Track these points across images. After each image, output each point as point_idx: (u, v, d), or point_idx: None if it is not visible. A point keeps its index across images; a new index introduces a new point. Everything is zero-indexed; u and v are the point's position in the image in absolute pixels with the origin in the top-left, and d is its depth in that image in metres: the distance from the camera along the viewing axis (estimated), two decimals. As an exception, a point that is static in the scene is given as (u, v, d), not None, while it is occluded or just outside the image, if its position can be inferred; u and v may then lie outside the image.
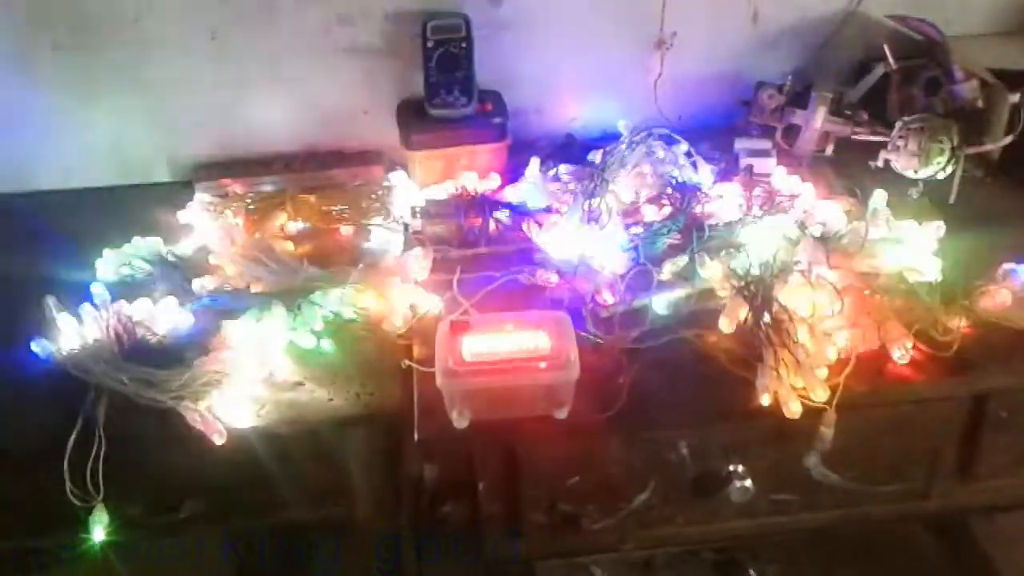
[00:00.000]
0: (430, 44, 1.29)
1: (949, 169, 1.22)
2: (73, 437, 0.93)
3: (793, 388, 0.94)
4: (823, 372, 0.95)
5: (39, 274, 1.15)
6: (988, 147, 1.25)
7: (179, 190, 1.34)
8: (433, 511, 1.09)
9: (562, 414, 0.93)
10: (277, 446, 0.99)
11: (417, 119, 1.33)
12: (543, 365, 0.91)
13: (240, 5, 1.31)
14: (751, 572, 1.52)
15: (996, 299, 1.00)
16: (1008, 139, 1.24)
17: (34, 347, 1.01)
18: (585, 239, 1.15)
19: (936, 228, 1.13)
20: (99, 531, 0.93)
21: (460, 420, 0.93)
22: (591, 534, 1.03)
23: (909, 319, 1.00)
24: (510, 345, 0.93)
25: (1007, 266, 1.04)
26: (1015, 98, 1.26)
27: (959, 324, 1.00)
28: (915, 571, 1.59)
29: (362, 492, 1.06)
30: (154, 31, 1.31)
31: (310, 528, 1.12)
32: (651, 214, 1.21)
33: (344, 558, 1.26)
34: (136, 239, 1.20)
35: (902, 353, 0.98)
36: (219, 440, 0.94)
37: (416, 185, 1.31)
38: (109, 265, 1.17)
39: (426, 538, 1.16)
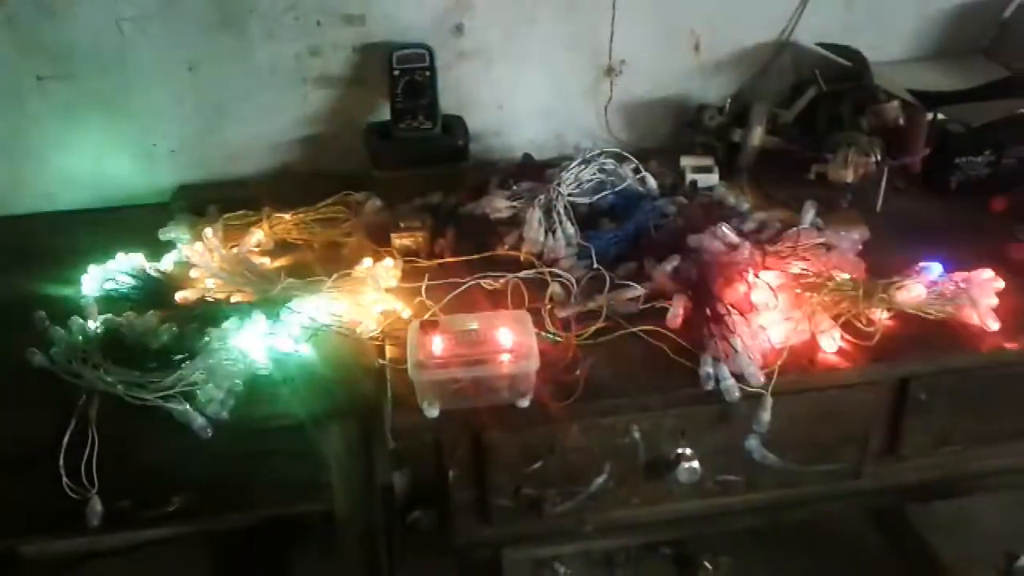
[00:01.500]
0: (396, 73, 1.38)
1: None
2: (67, 437, 0.98)
3: (733, 376, 1.03)
4: (760, 360, 1.04)
5: (29, 290, 1.20)
6: (908, 160, 1.37)
7: (159, 211, 1.40)
8: (404, 517, 1.16)
9: (524, 403, 1.01)
10: (259, 442, 1.05)
11: (385, 142, 1.41)
12: (506, 357, 1.00)
13: (216, 40, 1.39)
14: (705, 564, 1.60)
15: (912, 293, 1.09)
16: (926, 152, 1.35)
17: (27, 356, 1.06)
18: (543, 247, 1.24)
19: (862, 232, 1.24)
20: (94, 520, 0.99)
21: (430, 410, 1.00)
22: (553, 518, 1.10)
23: (836, 312, 1.10)
24: (476, 340, 1.01)
25: (922, 264, 1.13)
26: (931, 116, 1.38)
27: (881, 316, 1.10)
28: (859, 561, 1.67)
29: (339, 488, 1.12)
30: (135, 63, 1.38)
31: (292, 522, 1.18)
32: (604, 224, 1.29)
33: (324, 556, 1.31)
34: (120, 255, 1.25)
35: (831, 343, 1.08)
36: (205, 436, 1.01)
37: (384, 202, 1.39)
38: (95, 280, 1.22)
39: (398, 539, 1.22)
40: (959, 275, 1.13)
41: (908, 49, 1.60)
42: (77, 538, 1.12)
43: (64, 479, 0.98)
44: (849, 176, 1.34)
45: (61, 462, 0.98)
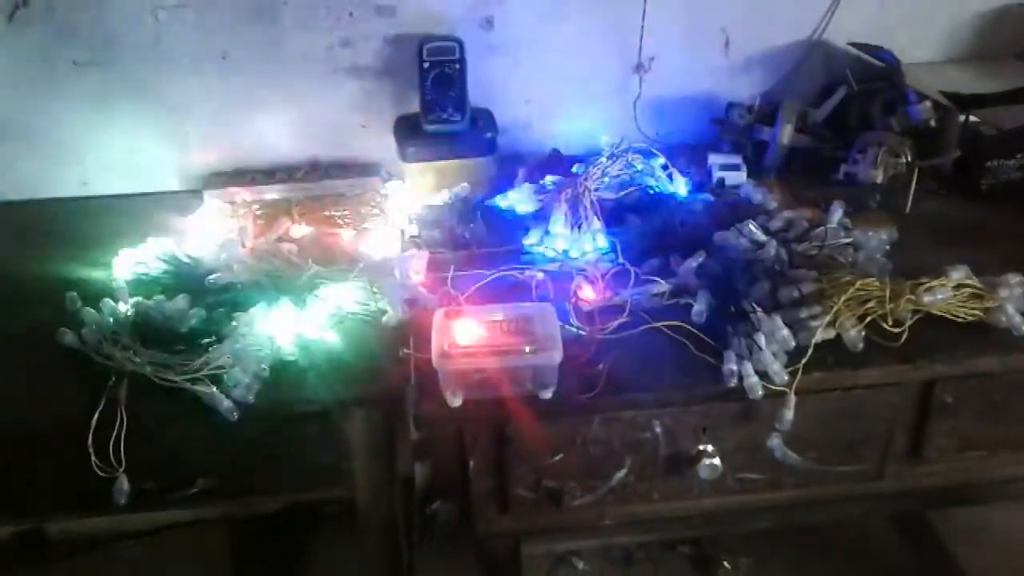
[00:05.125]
0: (426, 65, 1.39)
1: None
2: (96, 416, 1.00)
3: (756, 373, 1.02)
4: (784, 358, 1.04)
5: (62, 273, 1.22)
6: (939, 161, 1.36)
7: (190, 198, 1.42)
8: (423, 509, 1.17)
9: (547, 394, 1.01)
10: (284, 427, 1.06)
11: (413, 133, 1.42)
12: (529, 349, 1.00)
13: (249, 29, 1.40)
14: (725, 564, 1.59)
15: (939, 294, 1.09)
16: (956, 154, 1.34)
17: (59, 336, 1.08)
18: (569, 241, 1.24)
19: (890, 233, 1.23)
20: (121, 499, 1.00)
21: (453, 399, 1.01)
22: (573, 510, 1.11)
23: (863, 312, 1.09)
24: (500, 331, 1.02)
25: (951, 266, 1.12)
26: (963, 118, 1.37)
27: (907, 317, 1.09)
28: (880, 568, 1.66)
29: (361, 476, 1.13)
30: (169, 51, 1.40)
31: (313, 508, 1.19)
32: (630, 220, 1.29)
33: (343, 542, 1.32)
34: (151, 240, 1.27)
35: (856, 343, 1.07)
36: (231, 419, 1.02)
37: (412, 194, 1.40)
38: (126, 264, 1.23)
39: (417, 529, 1.23)
40: (988, 278, 1.12)
41: (941, 51, 1.59)
42: (102, 516, 1.13)
43: (92, 457, 0.99)
44: (879, 176, 1.34)
45: (90, 441, 0.99)
